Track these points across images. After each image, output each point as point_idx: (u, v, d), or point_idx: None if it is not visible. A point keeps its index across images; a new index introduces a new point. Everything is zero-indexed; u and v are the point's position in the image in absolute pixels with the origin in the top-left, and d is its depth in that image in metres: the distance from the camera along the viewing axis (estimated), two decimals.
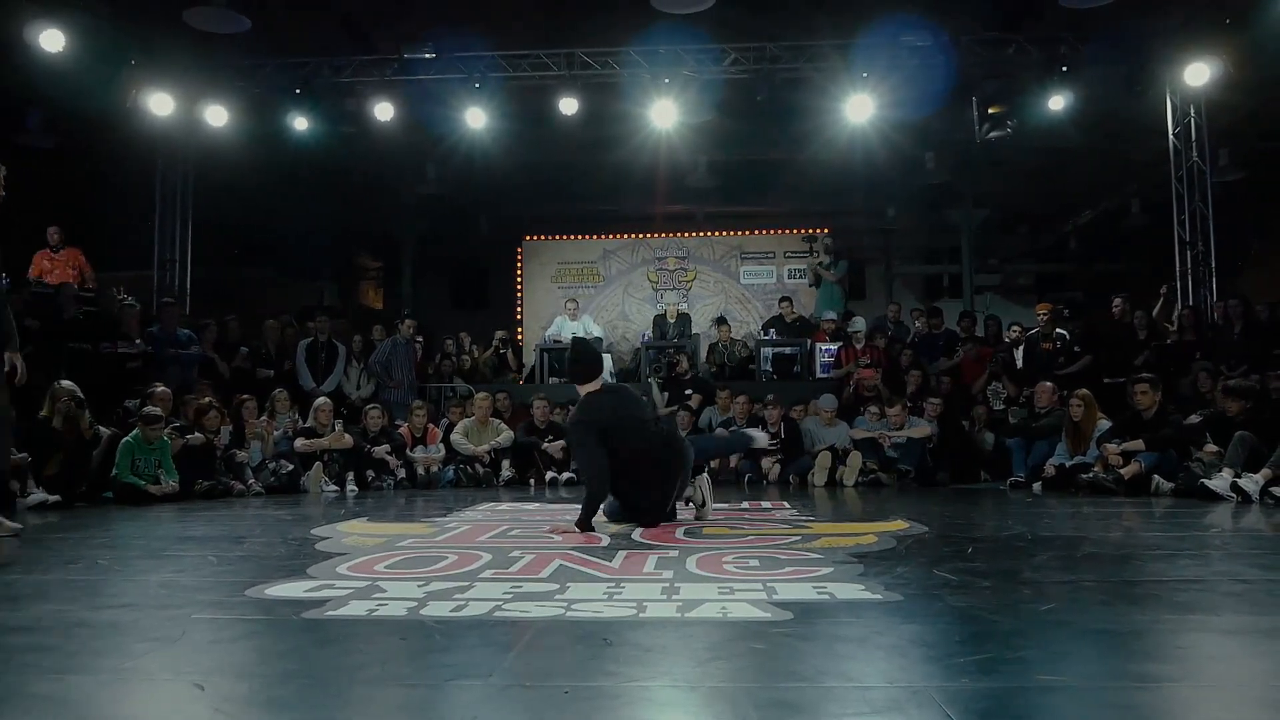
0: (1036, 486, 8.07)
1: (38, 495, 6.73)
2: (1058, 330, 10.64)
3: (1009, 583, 3.41)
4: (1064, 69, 10.75)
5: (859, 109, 11.08)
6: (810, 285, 14.09)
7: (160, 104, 11.10)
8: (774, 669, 2.24)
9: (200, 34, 9.88)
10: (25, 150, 12.15)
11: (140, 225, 12.61)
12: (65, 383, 7.33)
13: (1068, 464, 7.99)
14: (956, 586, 3.23)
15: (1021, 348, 10.64)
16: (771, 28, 11.03)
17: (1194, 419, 7.82)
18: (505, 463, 9.51)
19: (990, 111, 11.38)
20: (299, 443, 8.76)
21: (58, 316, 9.75)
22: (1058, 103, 10.87)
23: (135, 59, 10.70)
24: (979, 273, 16.95)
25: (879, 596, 3.02)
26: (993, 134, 11.46)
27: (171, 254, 12.42)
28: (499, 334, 13.57)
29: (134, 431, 7.40)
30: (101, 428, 7.49)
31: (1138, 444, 7.47)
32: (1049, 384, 9.04)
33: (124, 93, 10.82)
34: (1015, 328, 11.39)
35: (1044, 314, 10.65)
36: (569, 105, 11.19)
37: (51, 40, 9.35)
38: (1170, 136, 11.55)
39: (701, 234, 16.98)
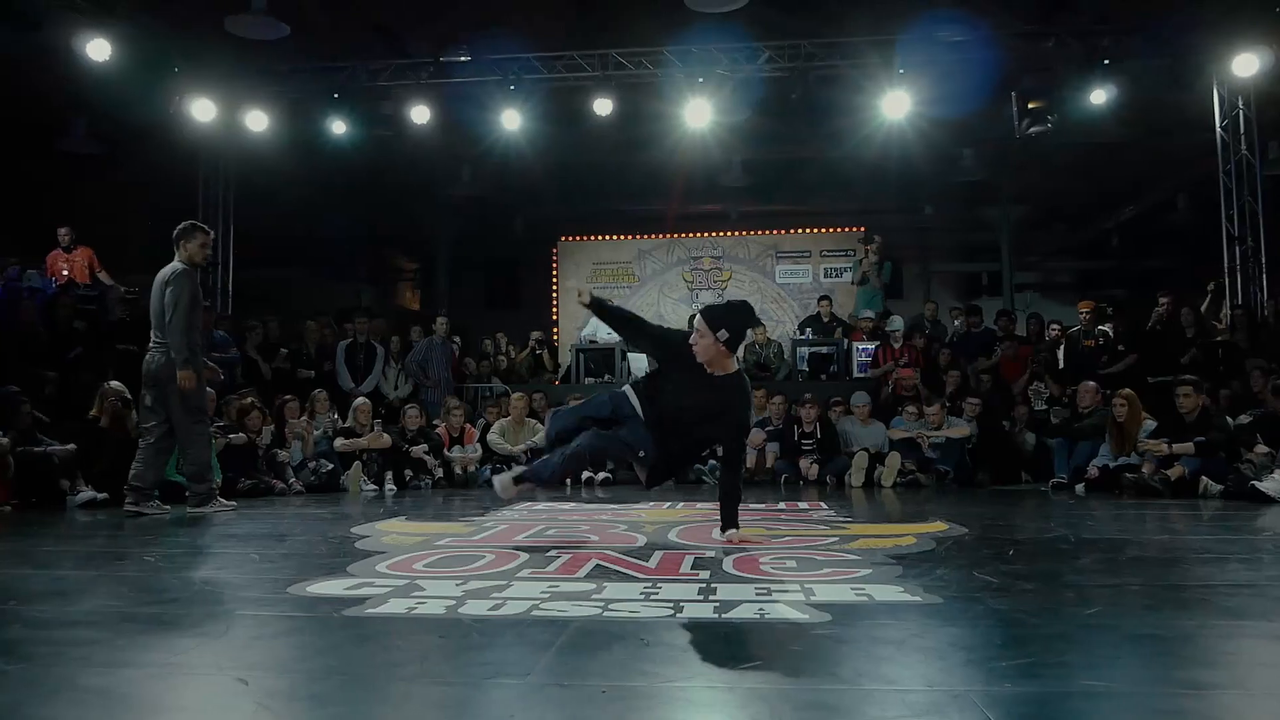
0: (1079, 488, 7.92)
1: (86, 493, 6.91)
2: (1100, 328, 10.47)
3: (1051, 586, 3.36)
4: (1106, 62, 10.56)
5: (895, 106, 10.97)
6: (854, 284, 13.92)
7: (203, 110, 11.27)
8: (812, 671, 2.23)
9: (241, 41, 10.02)
10: (72, 157, 12.43)
11: None
12: (113, 383, 7.50)
13: (1111, 465, 7.84)
14: (997, 589, 3.19)
15: (1063, 346, 10.48)
16: (807, 25, 10.97)
17: (1244, 419, 7.66)
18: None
19: (1030, 106, 11.20)
20: (338, 442, 8.86)
21: (105, 318, 9.96)
22: (1099, 96, 10.68)
23: (178, 67, 10.88)
24: (1018, 270, 16.74)
25: (918, 599, 2.99)
26: (1033, 129, 11.28)
27: (214, 257, 12.61)
28: (535, 334, 13.62)
29: None
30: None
31: (1187, 447, 7.31)
32: (1092, 384, 8.89)
33: (167, 100, 11.01)
34: (1056, 326, 11.24)
35: (1086, 312, 10.49)
36: (603, 106, 11.20)
37: (98, 50, 9.53)
38: (1218, 129, 11.32)
39: (736, 233, 16.91)
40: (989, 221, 16.51)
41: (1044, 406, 9.75)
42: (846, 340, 11.91)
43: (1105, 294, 15.86)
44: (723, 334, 4.13)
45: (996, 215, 16.15)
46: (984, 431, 9.25)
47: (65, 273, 11.02)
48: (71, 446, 7.09)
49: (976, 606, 2.92)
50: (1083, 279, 18.45)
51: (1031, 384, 10.07)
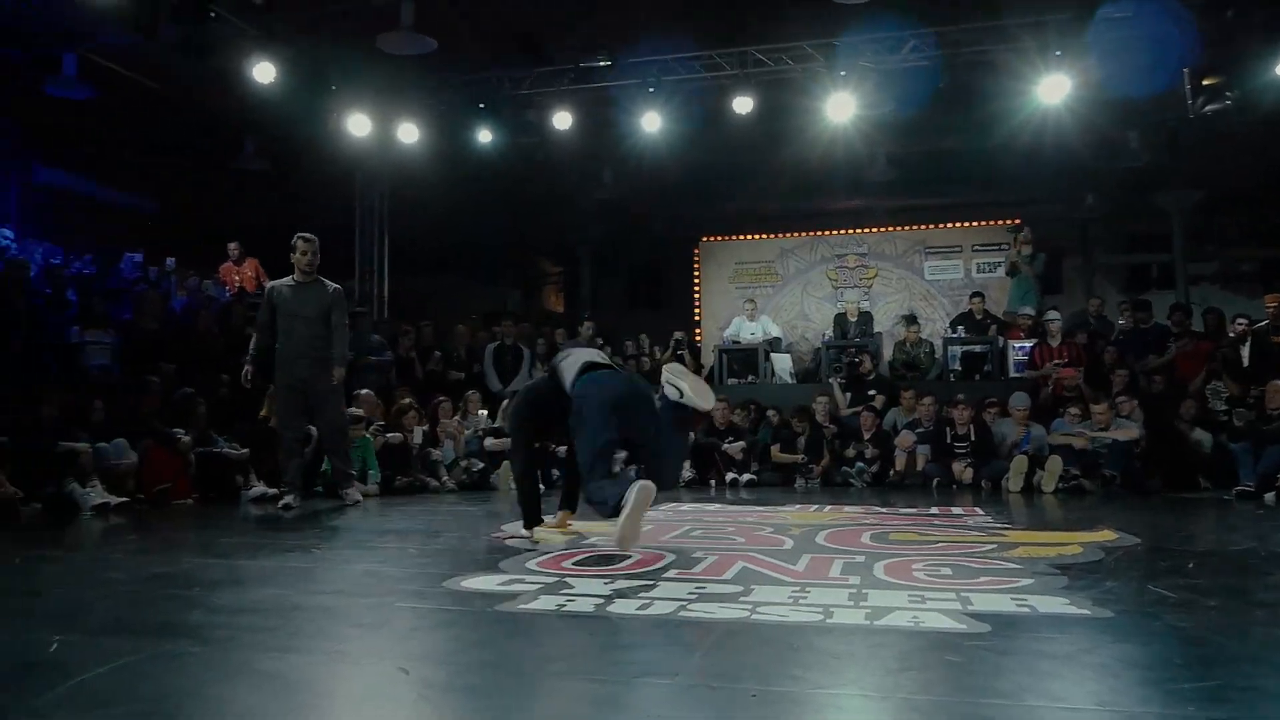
0: (1269, 497, 7.15)
1: (258, 489, 7.42)
2: None
3: (1238, 602, 3.11)
4: None
5: (1053, 90, 10.40)
6: (1006, 274, 13.33)
7: (358, 125, 11.78)
8: (970, 683, 2.13)
9: (392, 57, 10.43)
10: (241, 174, 13.25)
11: (342, 238, 13.47)
12: None
13: None
14: (1176, 604, 2.98)
15: (1248, 342, 9.65)
16: (955, 10, 10.57)
17: None
18: (686, 463, 9.54)
19: (1205, 83, 10.43)
20: (489, 442, 9.10)
21: None
22: None
23: (335, 85, 11.42)
24: (1193, 261, 15.67)
25: (1086, 611, 2.82)
26: (1209, 108, 10.49)
27: (370, 265, 13.21)
28: (677, 335, 13.64)
29: None
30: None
31: None
32: None
33: (326, 117, 11.58)
34: (1241, 320, 10.34)
35: (1274, 305, 9.68)
36: (743, 104, 11.11)
37: (264, 72, 10.10)
38: None
39: (882, 229, 16.45)
40: (1159, 209, 15.52)
41: (1224, 407, 9.04)
42: (1001, 339, 11.41)
43: None
44: None
45: (1168, 202, 15.16)
46: (1154, 434, 8.65)
47: (237, 281, 11.79)
48: (245, 451, 7.69)
49: (1153, 622, 2.74)
50: (1268, 268, 17.04)
51: (1209, 383, 9.37)
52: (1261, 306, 10.19)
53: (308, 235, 6.84)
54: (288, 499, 6.55)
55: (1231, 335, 9.94)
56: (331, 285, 6.89)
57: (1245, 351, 9.55)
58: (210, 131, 12.70)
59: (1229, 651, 2.42)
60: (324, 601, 3.17)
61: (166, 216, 14.90)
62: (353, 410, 8.05)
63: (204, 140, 13.05)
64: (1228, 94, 10.29)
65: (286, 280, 6.88)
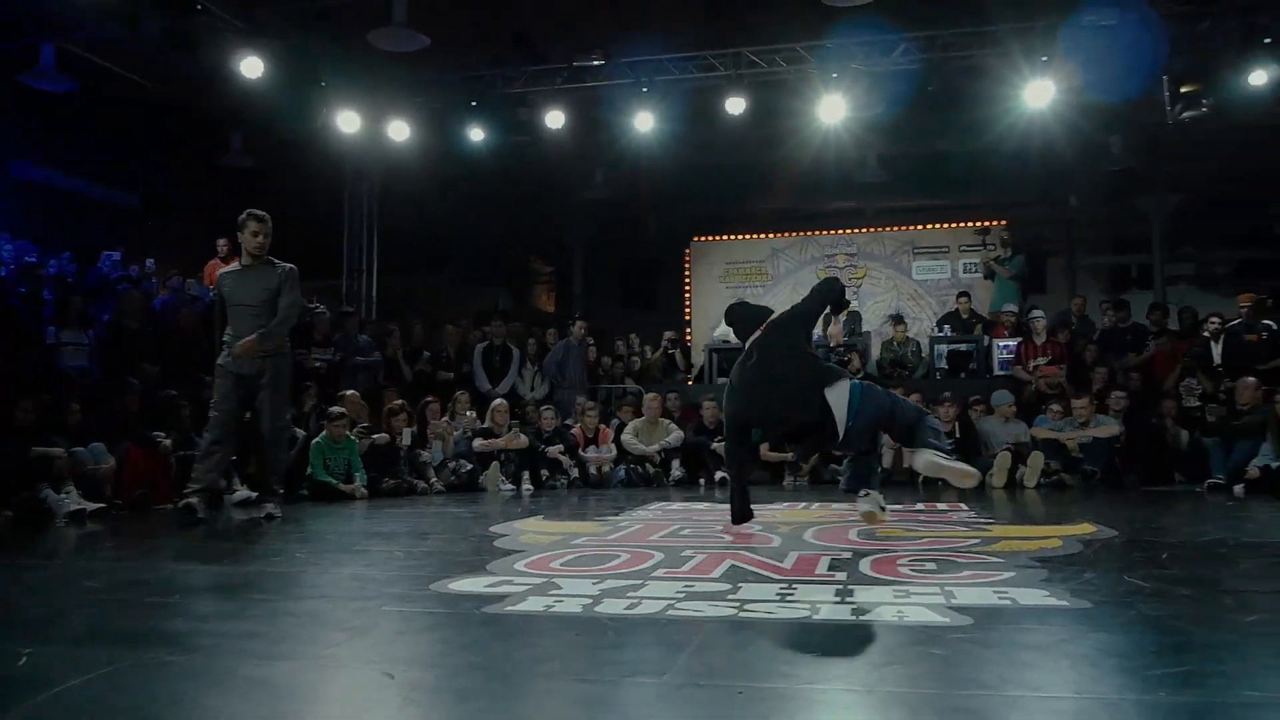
0: (1238, 489, 7.48)
1: (242, 492, 7.31)
2: (1264, 321, 9.80)
3: (1209, 592, 3.20)
4: (1266, 40, 9.90)
5: (1039, 94, 10.54)
6: (985, 278, 13.51)
7: (348, 122, 11.74)
8: (954, 676, 2.18)
9: (383, 54, 10.41)
10: (229, 170, 13.18)
11: (330, 237, 13.43)
12: None
13: (1274, 465, 7.37)
14: (1150, 594, 3.06)
15: (1221, 341, 9.84)
16: (944, 15, 10.66)
17: None
18: (675, 463, 9.59)
19: (1183, 90, 10.59)
20: (477, 443, 9.12)
21: None
22: (1259, 77, 9.98)
23: (325, 81, 11.39)
24: (1171, 262, 15.83)
25: (1065, 603, 2.89)
26: (1186, 114, 10.67)
27: (359, 263, 13.19)
28: (668, 335, 13.69)
29: (323, 433, 7.90)
30: (298, 429, 8.01)
31: None
32: (1252, 379, 8.35)
33: (315, 113, 11.54)
34: (1214, 319, 10.55)
35: (1247, 305, 9.85)
36: (736, 105, 11.16)
37: (251, 67, 10.05)
38: None
39: (871, 230, 16.55)
40: (1139, 212, 15.67)
41: (1197, 403, 9.23)
42: (987, 337, 11.52)
43: (1267, 285, 14.82)
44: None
45: (1148, 205, 15.31)
46: (1133, 430, 8.81)
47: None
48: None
49: (1128, 612, 2.81)
50: (1242, 270, 17.25)
51: (1183, 380, 9.55)
52: (1235, 306, 10.37)
53: (259, 213, 6.15)
54: (269, 508, 6.07)
55: (1205, 334, 10.13)
56: (283, 266, 6.16)
57: (1218, 350, 9.74)
58: (196, 127, 12.63)
59: (1199, 638, 2.49)
60: (309, 606, 3.17)
61: (149, 213, 14.77)
62: (335, 409, 8.05)
63: (189, 136, 12.98)
64: (1204, 101, 10.47)
65: (234, 265, 6.38)
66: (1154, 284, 15.01)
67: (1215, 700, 1.95)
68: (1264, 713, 1.87)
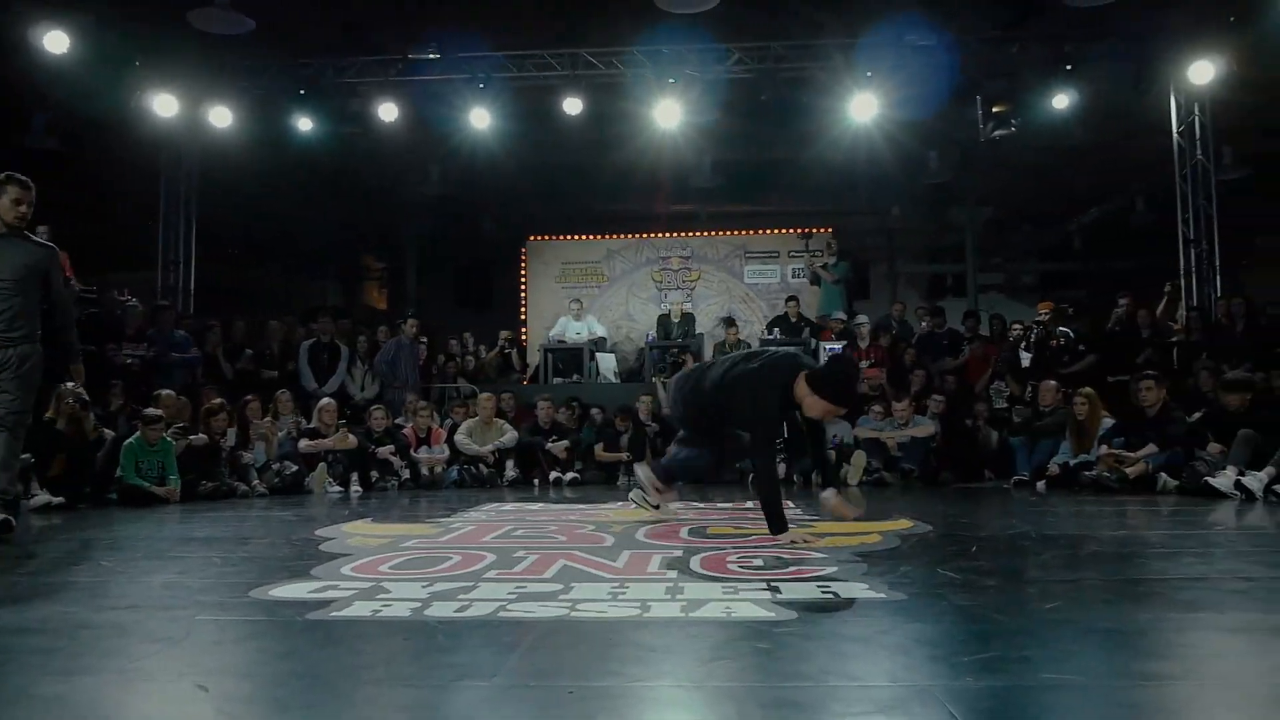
0: (1040, 485, 8.08)
1: (42, 497, 6.77)
2: (1061, 329, 10.62)
3: (1013, 582, 3.42)
4: (1068, 67, 10.74)
5: (863, 108, 11.07)
6: (811, 284, 14.08)
7: (164, 105, 11.12)
8: (778, 668, 2.24)
9: (204, 35, 9.88)
10: (30, 152, 12.17)
11: (144, 226, 12.63)
12: (69, 384, 7.34)
13: (1072, 462, 7.99)
14: (960, 585, 3.23)
15: (1032, 345, 10.63)
16: (776, 27, 11.02)
17: (1194, 418, 7.82)
18: (509, 463, 9.52)
19: (994, 110, 11.35)
20: (303, 443, 8.77)
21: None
22: (1062, 101, 10.85)
23: (139, 60, 10.72)
24: (983, 271, 16.92)
25: (883, 595, 3.02)
26: (997, 132, 11.44)
27: (175, 255, 12.45)
28: (503, 334, 13.59)
29: (136, 434, 7.42)
30: (106, 430, 7.50)
31: (1150, 449, 7.47)
32: (1052, 383, 9.04)
33: (128, 94, 10.85)
34: (1018, 325, 11.39)
35: (1045, 312, 10.66)
36: (573, 105, 11.19)
37: (56, 42, 9.36)
38: (1174, 135, 11.55)
39: (705, 233, 16.94)
40: (955, 223, 16.67)
41: (1005, 405, 9.91)
42: (814, 340, 11.98)
43: (1068, 295, 16.08)
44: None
45: (962, 217, 16.30)
46: (948, 430, 9.37)
47: None
48: (28, 456, 6.65)
49: (940, 603, 2.96)
50: (1046, 280, 18.69)
51: (993, 383, 10.23)
52: (1038, 314, 11.22)
53: (20, 177, 5.27)
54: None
55: (1012, 339, 10.92)
56: (46, 243, 5.46)
57: (1028, 353, 10.50)
58: None
59: (1004, 626, 2.65)
60: (115, 618, 2.94)
61: None
62: (152, 412, 7.58)
63: None
64: (1013, 120, 11.25)
65: None
66: (968, 292, 15.98)
67: (1017, 684, 2.07)
68: (1062, 694, 2.00)
